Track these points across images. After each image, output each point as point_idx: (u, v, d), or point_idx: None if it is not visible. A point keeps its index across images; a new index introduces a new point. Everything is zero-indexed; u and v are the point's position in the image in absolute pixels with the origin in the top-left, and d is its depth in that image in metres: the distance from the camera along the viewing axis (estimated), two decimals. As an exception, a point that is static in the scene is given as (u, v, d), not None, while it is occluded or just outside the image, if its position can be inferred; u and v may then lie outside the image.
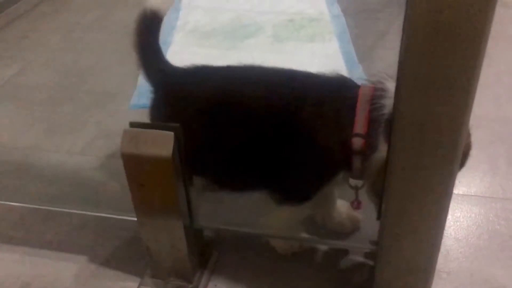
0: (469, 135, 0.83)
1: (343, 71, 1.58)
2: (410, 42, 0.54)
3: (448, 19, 0.50)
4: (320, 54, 1.70)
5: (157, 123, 0.77)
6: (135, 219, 0.87)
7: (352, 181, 0.85)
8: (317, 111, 0.81)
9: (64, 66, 1.71)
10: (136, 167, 0.77)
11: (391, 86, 0.77)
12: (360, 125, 0.77)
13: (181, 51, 1.77)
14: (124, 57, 1.62)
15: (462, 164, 0.82)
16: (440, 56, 0.53)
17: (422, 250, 0.70)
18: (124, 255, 0.99)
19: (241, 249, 0.99)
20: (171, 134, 0.75)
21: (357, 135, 0.78)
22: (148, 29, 0.90)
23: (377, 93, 0.78)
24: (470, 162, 1.17)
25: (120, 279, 0.94)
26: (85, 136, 1.35)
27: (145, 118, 1.39)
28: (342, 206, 0.97)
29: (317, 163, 0.81)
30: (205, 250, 0.96)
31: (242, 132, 0.84)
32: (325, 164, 0.81)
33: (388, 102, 0.76)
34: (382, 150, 0.75)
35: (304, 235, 0.94)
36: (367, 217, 0.93)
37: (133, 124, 0.77)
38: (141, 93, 1.51)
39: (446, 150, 0.59)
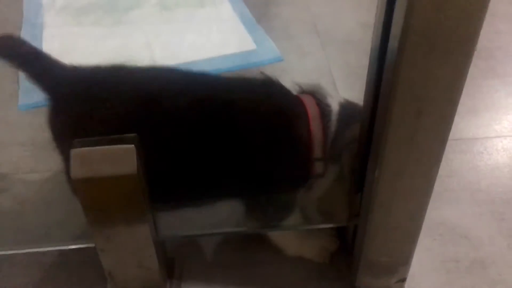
0: None
1: (244, 34, 1.52)
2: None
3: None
4: (215, 19, 1.61)
5: (110, 137, 0.65)
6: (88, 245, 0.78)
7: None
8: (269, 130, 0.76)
9: None
10: (94, 192, 0.65)
11: (332, 102, 0.78)
12: (319, 148, 0.76)
13: (59, 33, 1.56)
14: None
15: None
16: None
17: (412, 213, 0.70)
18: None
19: (200, 249, 0.93)
20: (131, 147, 0.64)
21: (318, 159, 0.77)
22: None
23: (324, 109, 0.77)
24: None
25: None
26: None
27: (43, 118, 1.22)
28: None
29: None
30: (167, 260, 0.88)
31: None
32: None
33: (333, 120, 0.76)
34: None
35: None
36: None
37: (78, 143, 0.65)
38: (28, 90, 1.31)
39: (443, 112, 0.58)
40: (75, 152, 0.64)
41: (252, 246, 0.92)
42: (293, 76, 1.36)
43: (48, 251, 0.94)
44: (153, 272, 0.78)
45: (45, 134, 1.16)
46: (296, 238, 0.90)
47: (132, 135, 0.65)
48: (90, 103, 0.77)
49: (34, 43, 1.48)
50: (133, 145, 0.64)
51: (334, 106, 0.78)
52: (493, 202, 0.99)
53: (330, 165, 0.78)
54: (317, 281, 0.87)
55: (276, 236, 0.88)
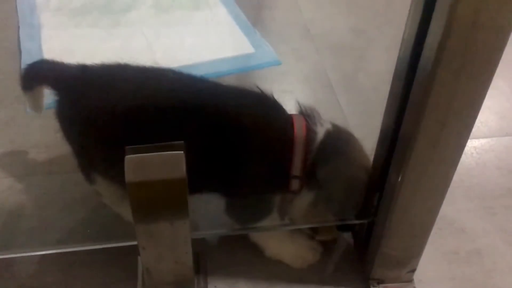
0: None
1: (242, 38, 1.58)
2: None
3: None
4: (211, 22, 1.66)
5: (158, 144, 0.70)
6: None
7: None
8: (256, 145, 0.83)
9: None
10: (145, 194, 0.70)
11: (320, 130, 0.83)
12: (297, 167, 0.82)
13: (58, 34, 1.57)
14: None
15: None
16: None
17: (428, 210, 0.78)
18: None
19: (222, 244, 0.99)
20: (181, 153, 0.69)
21: (295, 177, 0.83)
22: None
23: (310, 134, 0.83)
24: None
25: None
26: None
27: (53, 120, 1.25)
28: None
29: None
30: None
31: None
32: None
33: (316, 148, 0.82)
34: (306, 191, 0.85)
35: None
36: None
37: (130, 150, 0.70)
38: (33, 92, 1.32)
39: (464, 124, 0.66)
40: (129, 158, 0.68)
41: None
42: (291, 79, 1.43)
43: (70, 251, 0.98)
44: (187, 267, 0.84)
45: (58, 136, 1.19)
46: (277, 241, 0.95)
47: (180, 142, 0.70)
48: (95, 97, 0.86)
49: (33, 43, 1.51)
50: (182, 152, 0.69)
51: (321, 132, 0.84)
52: (484, 199, 1.09)
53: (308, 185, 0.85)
54: (333, 273, 0.94)
55: (258, 236, 0.94)
